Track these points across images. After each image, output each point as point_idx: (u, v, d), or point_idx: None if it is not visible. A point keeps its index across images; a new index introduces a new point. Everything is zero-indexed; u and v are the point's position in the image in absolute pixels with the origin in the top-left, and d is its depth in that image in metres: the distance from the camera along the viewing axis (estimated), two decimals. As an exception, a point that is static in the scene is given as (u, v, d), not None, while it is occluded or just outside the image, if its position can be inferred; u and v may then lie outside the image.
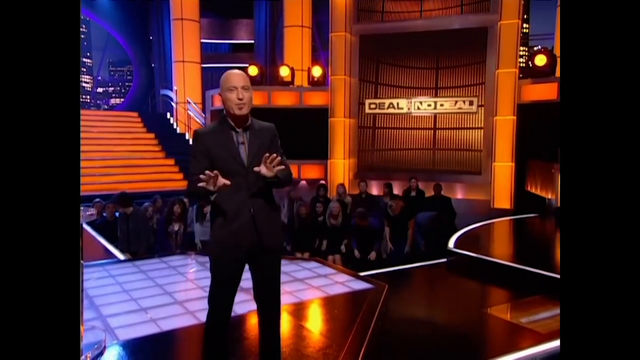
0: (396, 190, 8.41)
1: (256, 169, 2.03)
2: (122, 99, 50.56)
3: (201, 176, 1.91)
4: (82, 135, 1.70)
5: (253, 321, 2.81)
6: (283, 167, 2.08)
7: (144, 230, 5.76)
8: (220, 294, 2.14)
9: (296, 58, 11.51)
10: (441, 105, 9.21)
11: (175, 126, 12.80)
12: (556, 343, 2.91)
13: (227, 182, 1.97)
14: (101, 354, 2.51)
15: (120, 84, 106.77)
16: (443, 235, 5.66)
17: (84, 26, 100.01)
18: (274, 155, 2.02)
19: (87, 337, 2.52)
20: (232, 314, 3.07)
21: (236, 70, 2.16)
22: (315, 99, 9.85)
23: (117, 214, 6.07)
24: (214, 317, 2.16)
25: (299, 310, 3.37)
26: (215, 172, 1.94)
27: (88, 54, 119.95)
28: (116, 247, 5.40)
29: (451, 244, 5.15)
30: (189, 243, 5.95)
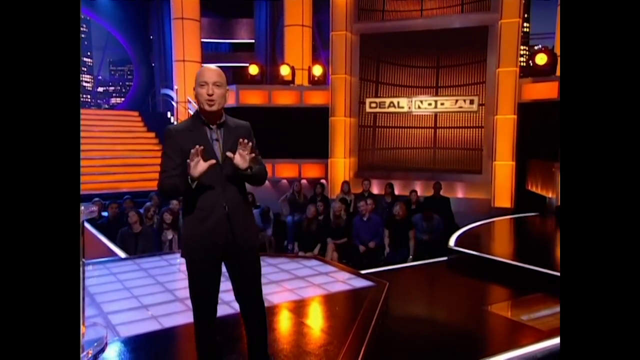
0: (397, 190, 8.42)
1: (229, 154, 1.99)
2: (122, 98, 50.52)
3: (191, 151, 1.89)
4: (82, 134, 1.71)
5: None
6: (257, 159, 2.08)
7: (152, 249, 5.62)
8: (201, 295, 2.10)
9: (297, 57, 11.49)
10: (442, 104, 9.20)
11: (175, 125, 12.79)
12: (556, 340, 2.92)
13: (213, 161, 1.95)
14: (103, 350, 2.53)
15: (120, 83, 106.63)
16: (437, 229, 5.88)
17: (84, 26, 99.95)
18: (247, 141, 1.99)
19: (88, 334, 2.53)
20: (232, 311, 3.10)
21: (211, 66, 2.10)
22: (316, 98, 9.84)
23: (123, 209, 6.00)
24: (200, 317, 2.13)
25: (300, 308, 3.38)
26: (201, 147, 1.92)
27: (88, 53, 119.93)
28: (116, 245, 5.41)
29: (452, 242, 5.15)
30: None
